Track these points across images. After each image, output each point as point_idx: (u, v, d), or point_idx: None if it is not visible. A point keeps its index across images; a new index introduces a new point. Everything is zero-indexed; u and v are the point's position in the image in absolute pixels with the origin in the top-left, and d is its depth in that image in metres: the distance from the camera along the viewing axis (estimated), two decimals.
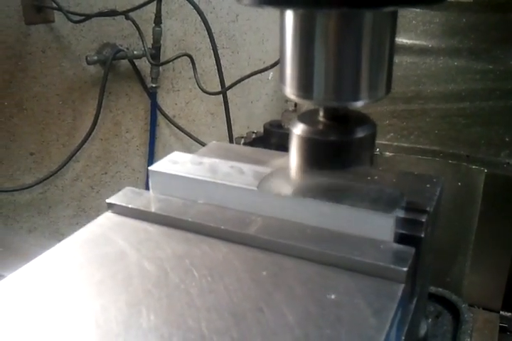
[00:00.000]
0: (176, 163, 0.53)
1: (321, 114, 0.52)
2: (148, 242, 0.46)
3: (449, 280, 0.86)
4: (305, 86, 0.48)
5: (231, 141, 2.02)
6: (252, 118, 2.39)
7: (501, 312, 0.84)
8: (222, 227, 0.46)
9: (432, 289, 0.72)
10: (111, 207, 0.51)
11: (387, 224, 0.43)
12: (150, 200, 0.51)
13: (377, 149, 0.87)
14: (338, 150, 0.51)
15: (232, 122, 2.12)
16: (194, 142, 2.21)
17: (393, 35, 0.48)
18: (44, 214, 2.12)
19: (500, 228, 0.80)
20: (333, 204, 0.45)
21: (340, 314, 0.37)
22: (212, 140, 1.92)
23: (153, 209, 0.50)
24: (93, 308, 0.39)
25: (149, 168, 0.52)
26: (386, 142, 0.89)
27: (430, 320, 0.67)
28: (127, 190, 0.53)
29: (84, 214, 2.17)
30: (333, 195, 0.47)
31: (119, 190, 1.66)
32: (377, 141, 0.89)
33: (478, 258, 0.83)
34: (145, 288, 0.41)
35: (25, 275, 0.43)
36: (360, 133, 0.50)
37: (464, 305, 0.69)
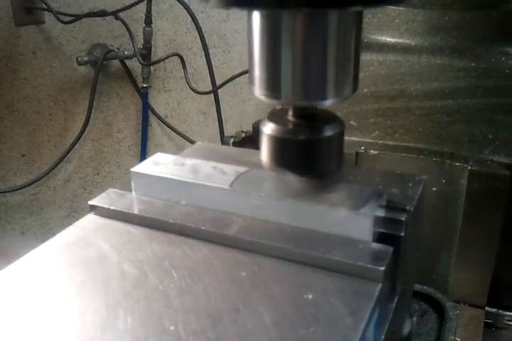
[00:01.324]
0: (158, 164, 0.54)
1: (290, 113, 0.53)
2: (130, 244, 0.46)
3: (435, 276, 0.86)
4: (273, 86, 0.48)
5: (223, 140, 2.02)
6: (244, 117, 2.39)
7: (486, 308, 0.85)
8: (203, 228, 0.47)
9: (417, 287, 0.72)
10: (93, 208, 0.52)
11: (366, 223, 0.44)
12: (132, 202, 0.51)
13: (362, 147, 0.87)
14: (308, 148, 0.51)
15: (224, 121, 2.11)
16: (186, 142, 2.20)
17: (359, 34, 0.48)
18: (36, 215, 2.12)
19: (484, 224, 0.80)
20: (313, 204, 0.45)
21: (316, 314, 0.37)
22: (205, 139, 1.92)
23: (135, 211, 0.50)
24: (72, 311, 0.39)
25: (131, 169, 0.53)
26: (371, 140, 0.90)
27: (415, 318, 0.67)
28: (110, 192, 0.53)
29: (76, 215, 2.17)
30: (313, 194, 0.47)
31: None
32: (363, 139, 0.91)
33: (463, 255, 0.83)
34: (124, 290, 0.41)
35: (5, 277, 0.43)
36: (329, 132, 0.51)
37: (448, 303, 0.69)
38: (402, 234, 0.46)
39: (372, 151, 0.87)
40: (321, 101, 0.48)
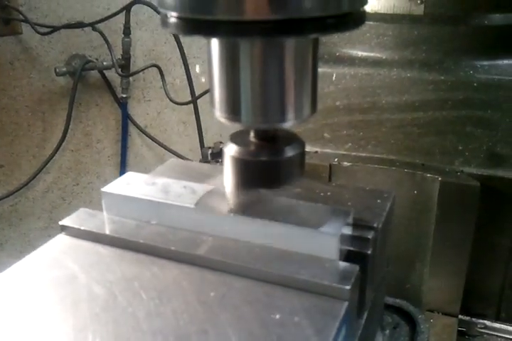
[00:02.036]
0: (129, 183, 0.54)
1: (252, 134, 0.53)
2: (99, 265, 0.47)
3: (409, 286, 0.87)
4: (233, 109, 0.49)
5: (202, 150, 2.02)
6: (224, 127, 2.39)
7: (460, 316, 0.86)
8: (173, 248, 0.47)
9: (390, 300, 0.73)
10: (64, 229, 0.52)
11: (332, 242, 0.44)
12: (103, 222, 0.52)
13: (336, 159, 0.88)
14: (269, 169, 0.52)
15: (205, 131, 2.12)
16: (166, 152, 2.20)
17: (315, 57, 0.49)
18: (15, 226, 2.10)
19: (456, 234, 0.81)
20: (280, 223, 0.46)
21: (282, 334, 0.38)
22: (185, 148, 1.91)
23: (106, 231, 0.50)
24: (40, 333, 0.39)
25: (102, 189, 0.53)
26: (344, 152, 0.91)
27: (388, 331, 0.68)
28: (81, 212, 0.53)
29: (56, 226, 2.13)
30: (281, 213, 0.48)
31: (91, 201, 1.65)
32: (336, 151, 0.92)
33: (436, 264, 0.84)
34: (92, 312, 0.41)
35: None
36: (289, 152, 0.52)
37: (420, 316, 0.70)
38: (369, 252, 0.46)
39: (345, 163, 0.88)
40: (280, 123, 0.50)
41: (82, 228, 0.50)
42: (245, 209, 0.49)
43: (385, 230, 0.50)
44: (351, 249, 0.46)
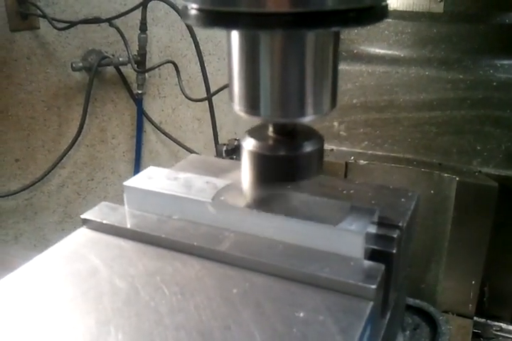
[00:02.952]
0: (151, 178, 0.54)
1: (270, 129, 0.53)
2: (121, 259, 0.46)
3: (423, 286, 0.86)
4: (252, 103, 0.49)
5: (216, 147, 2.02)
6: (239, 124, 2.39)
7: (475, 318, 0.85)
8: (195, 244, 0.47)
9: (410, 301, 0.72)
10: (86, 222, 0.51)
11: (357, 241, 0.44)
12: (125, 216, 0.51)
13: (352, 157, 0.88)
14: (287, 164, 0.51)
15: (219, 128, 2.11)
16: (181, 148, 2.20)
17: (336, 51, 0.49)
18: (30, 220, 2.11)
19: (472, 235, 0.81)
20: (305, 221, 0.45)
21: (307, 332, 0.38)
22: (200, 146, 1.91)
23: (127, 225, 0.50)
24: (62, 327, 0.39)
25: (124, 183, 0.53)
26: (360, 150, 0.90)
27: (408, 332, 0.67)
28: (103, 205, 0.53)
29: (70, 221, 2.17)
30: (304, 210, 0.47)
31: (105, 197, 1.65)
32: (352, 149, 0.91)
33: (452, 265, 0.83)
34: (115, 306, 0.41)
35: None
36: (307, 148, 0.51)
37: (441, 318, 0.69)
38: (394, 251, 0.46)
39: (361, 161, 0.87)
40: (299, 118, 0.49)
41: (104, 222, 0.50)
42: (268, 205, 0.48)
43: (409, 229, 0.50)
44: (376, 247, 0.46)
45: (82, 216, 0.51)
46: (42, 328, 0.39)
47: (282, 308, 0.40)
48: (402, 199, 0.53)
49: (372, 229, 0.46)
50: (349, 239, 0.44)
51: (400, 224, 0.48)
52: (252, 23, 0.41)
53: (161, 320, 0.39)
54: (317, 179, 0.56)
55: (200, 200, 0.50)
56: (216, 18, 0.42)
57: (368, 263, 0.44)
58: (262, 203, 0.49)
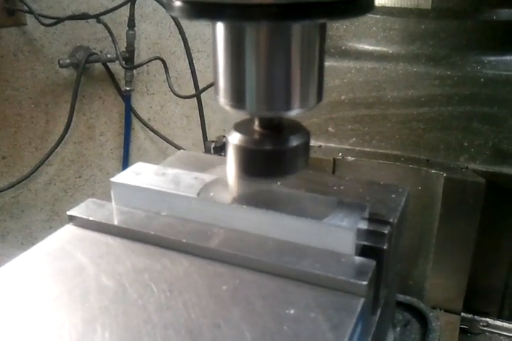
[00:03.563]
0: (139, 174, 0.53)
1: (256, 123, 0.52)
2: (108, 256, 0.46)
3: (411, 282, 0.86)
4: (238, 96, 0.48)
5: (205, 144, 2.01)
6: (228, 122, 2.38)
7: (462, 313, 0.86)
8: (184, 240, 0.46)
9: (400, 297, 0.72)
10: (72, 219, 0.51)
11: (348, 237, 0.43)
12: (112, 212, 0.50)
13: (340, 154, 0.87)
14: (273, 159, 0.51)
15: (207, 125, 2.10)
16: (169, 145, 2.19)
17: (322, 45, 0.48)
18: (17, 218, 2.09)
19: (459, 231, 0.81)
20: (295, 216, 0.45)
21: (298, 329, 0.37)
22: (188, 143, 1.90)
23: (115, 222, 0.49)
24: (48, 325, 0.38)
25: (111, 179, 0.52)
26: (349, 147, 0.90)
27: (398, 328, 0.67)
28: (89, 202, 0.52)
29: (58, 218, 2.15)
30: (295, 206, 0.47)
31: (93, 194, 1.63)
32: (340, 146, 0.91)
33: (440, 261, 0.84)
34: (102, 304, 0.40)
35: None
36: (294, 142, 0.50)
37: (431, 314, 0.69)
38: (385, 247, 0.45)
39: (349, 158, 0.87)
40: (285, 111, 0.48)
41: (91, 218, 0.49)
42: (257, 201, 0.48)
43: (400, 225, 0.49)
44: (366, 243, 0.45)
45: (69, 212, 0.50)
46: (27, 326, 0.38)
47: (273, 305, 0.40)
48: (393, 195, 0.52)
49: (363, 225, 0.46)
50: (340, 235, 0.43)
51: (391, 220, 0.47)
52: (237, 15, 0.41)
53: (149, 318, 0.39)
54: (306, 175, 0.55)
55: (189, 196, 0.49)
56: (201, 9, 0.42)
57: (358, 259, 0.43)
58: (251, 199, 0.49)
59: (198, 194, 0.49)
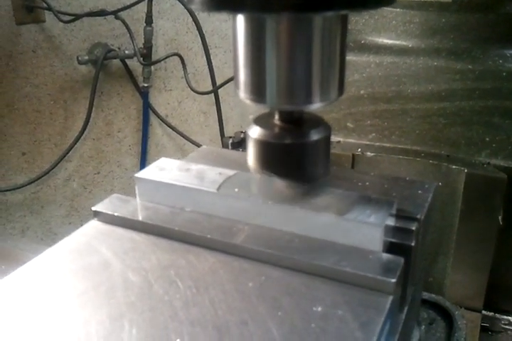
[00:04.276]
0: (163, 169, 0.53)
1: (276, 117, 0.52)
2: (134, 252, 0.45)
3: (431, 279, 0.85)
4: (258, 90, 0.47)
5: (223, 140, 2.00)
6: (245, 118, 2.38)
7: (483, 311, 0.84)
8: (209, 236, 0.46)
9: (425, 295, 0.71)
10: (97, 215, 0.50)
11: (376, 234, 0.43)
12: (136, 208, 0.50)
13: (359, 149, 0.87)
14: (293, 152, 0.50)
15: (225, 121, 2.11)
16: (187, 141, 2.20)
17: (344, 38, 0.47)
18: (36, 213, 2.11)
19: (480, 227, 0.80)
20: (322, 213, 0.44)
21: (326, 327, 0.36)
22: (205, 139, 1.90)
23: (139, 218, 0.49)
24: (74, 321, 0.38)
25: (136, 175, 0.52)
26: (368, 142, 0.89)
27: (423, 326, 0.66)
28: (114, 198, 0.52)
29: (76, 214, 2.16)
30: (322, 202, 0.46)
31: (111, 190, 1.65)
32: (359, 141, 0.90)
33: (460, 258, 0.82)
34: (128, 300, 0.40)
35: (7, 285, 0.42)
36: (314, 136, 0.50)
37: (457, 312, 0.68)
38: (413, 244, 0.45)
39: (368, 153, 0.86)
40: (306, 105, 0.48)
41: (116, 214, 0.49)
42: (281, 196, 0.47)
43: (426, 222, 0.49)
44: (394, 240, 0.45)
45: (93, 208, 0.50)
46: (54, 322, 0.38)
47: (300, 303, 0.39)
48: (419, 191, 0.52)
49: (391, 222, 0.45)
50: (368, 231, 0.43)
51: (418, 217, 0.47)
52: (258, 6, 0.40)
53: (175, 314, 0.38)
54: (331, 170, 0.55)
55: (213, 192, 0.48)
56: (221, 1, 0.41)
57: (386, 256, 0.42)
58: (276, 194, 0.48)
59: (219, 189, 0.48)
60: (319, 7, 0.40)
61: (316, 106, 0.48)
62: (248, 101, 0.49)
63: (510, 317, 0.86)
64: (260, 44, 0.45)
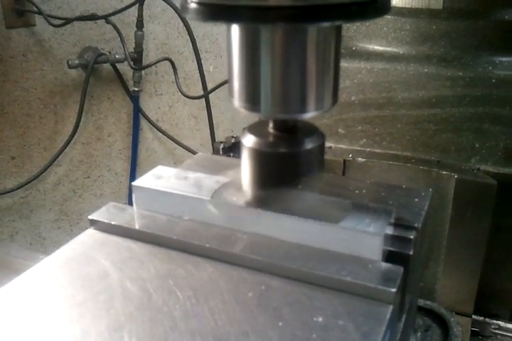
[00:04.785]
0: (160, 177, 0.52)
1: (271, 125, 0.52)
2: (132, 261, 0.45)
3: (422, 284, 0.86)
4: (252, 99, 0.47)
5: (213, 145, 2.00)
6: (235, 122, 2.38)
7: (473, 316, 0.85)
8: (207, 245, 0.45)
9: (420, 302, 0.71)
10: (93, 223, 0.50)
11: (376, 243, 0.43)
12: (134, 217, 0.50)
13: (350, 155, 0.87)
14: (288, 161, 0.50)
15: (216, 126, 2.10)
16: (177, 146, 2.19)
17: (338, 47, 0.48)
18: (26, 218, 2.09)
19: (471, 233, 0.80)
20: (321, 222, 0.44)
21: (327, 338, 0.36)
22: (196, 143, 1.89)
23: (136, 226, 0.49)
24: (73, 333, 0.38)
25: (133, 183, 0.51)
26: (359, 148, 0.90)
27: (419, 333, 0.66)
28: (110, 206, 0.52)
29: (66, 219, 2.15)
30: (320, 211, 0.46)
31: (101, 194, 1.63)
32: (350, 147, 0.91)
33: (450, 263, 0.83)
34: (127, 310, 0.40)
35: (5, 295, 0.42)
36: (309, 145, 0.50)
37: (452, 319, 0.68)
38: (411, 253, 0.45)
39: (359, 159, 0.87)
40: (300, 114, 0.48)
41: (113, 223, 0.49)
42: (280, 205, 0.47)
43: (423, 230, 0.49)
44: (392, 249, 0.45)
45: (90, 217, 0.50)
46: (53, 333, 0.38)
47: (300, 313, 0.39)
48: (416, 199, 0.52)
49: (390, 231, 0.45)
50: (367, 240, 0.43)
51: (416, 225, 0.47)
52: (253, 17, 0.40)
53: (175, 325, 0.38)
54: (327, 178, 0.55)
55: (211, 200, 0.48)
56: (217, 11, 0.42)
57: (386, 265, 0.42)
58: (273, 203, 0.48)
59: (212, 197, 0.48)
60: (313, 18, 0.40)
61: (310, 115, 0.48)
62: (243, 110, 0.49)
63: (500, 322, 0.87)
64: (255, 53, 0.45)
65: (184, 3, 0.44)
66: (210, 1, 0.42)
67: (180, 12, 0.46)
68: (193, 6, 0.43)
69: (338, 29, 0.47)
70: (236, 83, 0.48)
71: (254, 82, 0.47)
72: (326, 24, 0.44)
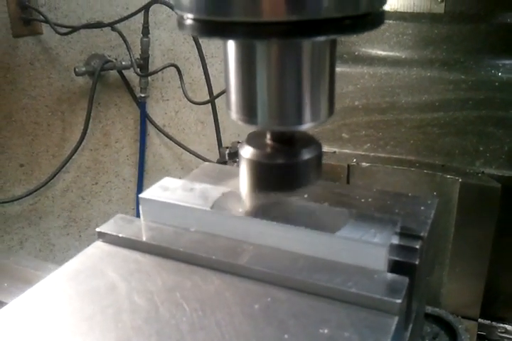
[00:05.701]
0: (167, 189, 0.53)
1: (268, 136, 0.52)
2: (139, 273, 0.46)
3: (428, 289, 0.86)
4: (249, 111, 0.48)
5: (220, 150, 2.01)
6: (242, 127, 2.38)
7: (480, 320, 0.85)
8: (214, 257, 0.46)
9: (428, 309, 0.71)
10: (101, 236, 0.51)
11: (381, 254, 0.43)
12: (141, 229, 0.51)
13: (354, 160, 0.87)
14: (285, 172, 0.50)
15: (222, 130, 2.11)
16: (184, 151, 2.20)
17: (333, 59, 0.48)
18: (35, 225, 2.10)
19: (476, 236, 0.80)
20: (326, 233, 0.45)
21: None
22: (203, 148, 1.90)
23: (144, 239, 0.49)
24: None
25: (140, 195, 0.52)
26: (363, 152, 0.90)
27: None
28: (118, 218, 0.52)
29: (75, 225, 2.16)
30: (326, 222, 0.46)
31: (109, 200, 1.63)
32: (354, 152, 0.91)
33: (456, 267, 0.83)
34: (135, 323, 0.40)
35: (14, 310, 0.42)
36: (306, 155, 0.50)
37: (460, 326, 0.68)
38: (417, 263, 0.45)
39: (363, 164, 0.87)
40: (297, 125, 0.48)
41: (120, 235, 0.49)
42: (286, 216, 0.48)
43: (429, 239, 0.49)
44: (398, 259, 0.45)
45: (98, 229, 0.50)
46: None
47: (306, 325, 0.39)
48: (422, 207, 0.52)
49: (395, 240, 0.45)
50: (372, 251, 0.43)
51: (422, 234, 0.47)
52: (248, 33, 0.41)
53: (182, 338, 0.38)
54: (332, 187, 0.55)
55: (217, 212, 0.49)
56: (212, 28, 0.42)
57: (391, 276, 0.43)
58: (280, 214, 0.48)
59: (212, 207, 0.49)
60: (307, 33, 0.40)
61: (306, 127, 0.49)
62: (240, 122, 0.50)
63: (506, 325, 0.86)
64: (251, 67, 0.46)
65: (181, 19, 0.45)
66: (206, 18, 0.42)
67: (178, 28, 0.46)
68: (189, 22, 0.43)
69: (333, 41, 0.48)
70: (233, 96, 0.49)
71: (251, 95, 0.47)
72: (320, 39, 0.44)
